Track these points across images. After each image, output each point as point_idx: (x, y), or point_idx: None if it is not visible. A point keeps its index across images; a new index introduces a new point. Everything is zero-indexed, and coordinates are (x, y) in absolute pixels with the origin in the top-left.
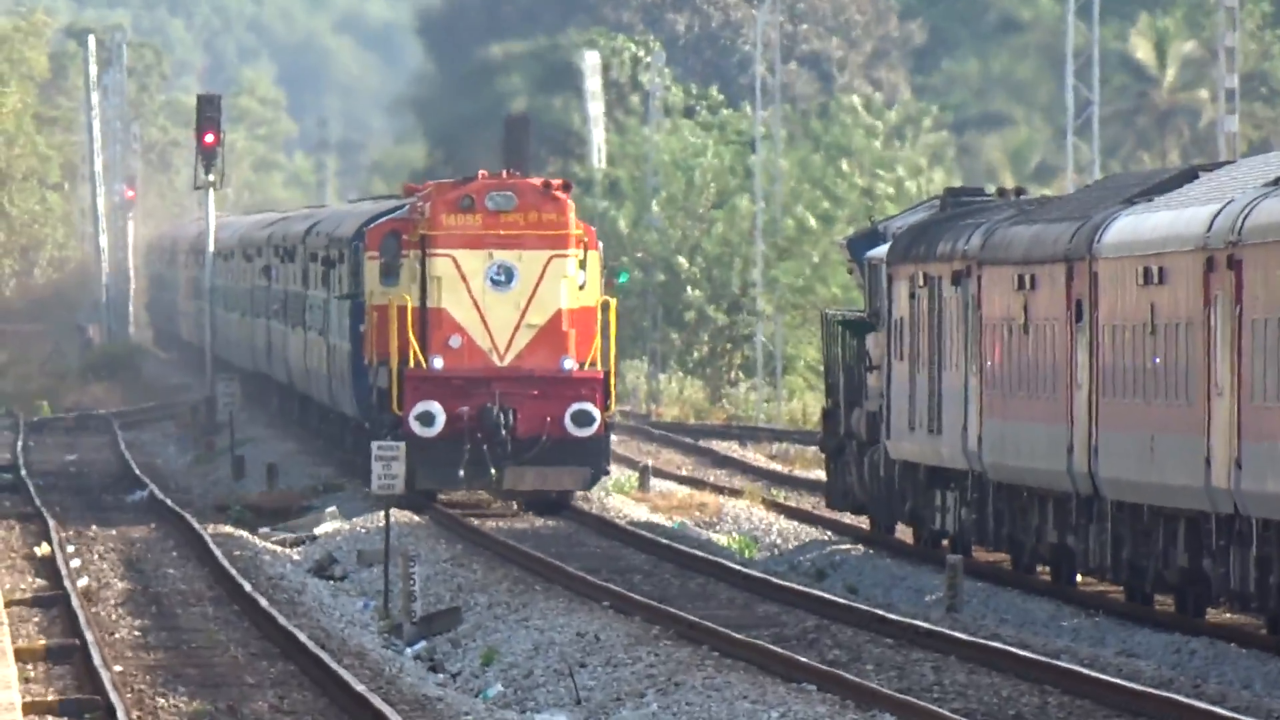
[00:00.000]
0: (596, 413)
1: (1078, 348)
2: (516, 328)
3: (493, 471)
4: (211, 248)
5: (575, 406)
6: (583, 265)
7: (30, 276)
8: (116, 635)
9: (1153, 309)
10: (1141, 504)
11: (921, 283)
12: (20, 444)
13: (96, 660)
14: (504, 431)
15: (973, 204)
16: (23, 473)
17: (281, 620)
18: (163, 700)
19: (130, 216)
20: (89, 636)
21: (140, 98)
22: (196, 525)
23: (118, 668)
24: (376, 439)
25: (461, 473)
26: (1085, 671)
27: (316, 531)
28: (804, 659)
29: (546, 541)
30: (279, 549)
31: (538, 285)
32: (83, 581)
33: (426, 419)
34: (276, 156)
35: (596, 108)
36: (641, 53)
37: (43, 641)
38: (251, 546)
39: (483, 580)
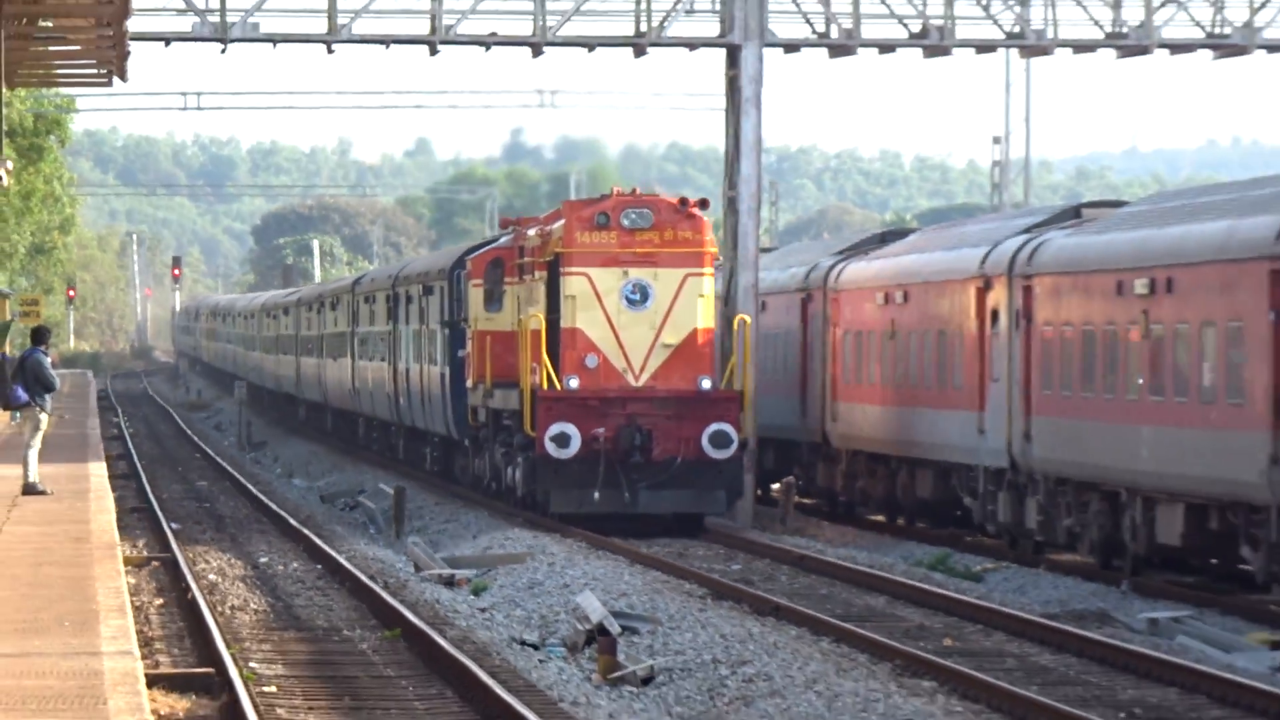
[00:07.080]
0: (734, 434)
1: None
2: (651, 347)
3: (626, 495)
4: None
5: (713, 427)
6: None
7: None
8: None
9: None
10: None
11: None
12: None
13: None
14: (640, 454)
15: None
16: None
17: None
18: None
19: None
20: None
21: None
22: None
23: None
24: (478, 457)
25: (597, 495)
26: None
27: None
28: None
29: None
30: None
31: (673, 304)
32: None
33: (562, 440)
34: None
35: None
36: None
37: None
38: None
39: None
